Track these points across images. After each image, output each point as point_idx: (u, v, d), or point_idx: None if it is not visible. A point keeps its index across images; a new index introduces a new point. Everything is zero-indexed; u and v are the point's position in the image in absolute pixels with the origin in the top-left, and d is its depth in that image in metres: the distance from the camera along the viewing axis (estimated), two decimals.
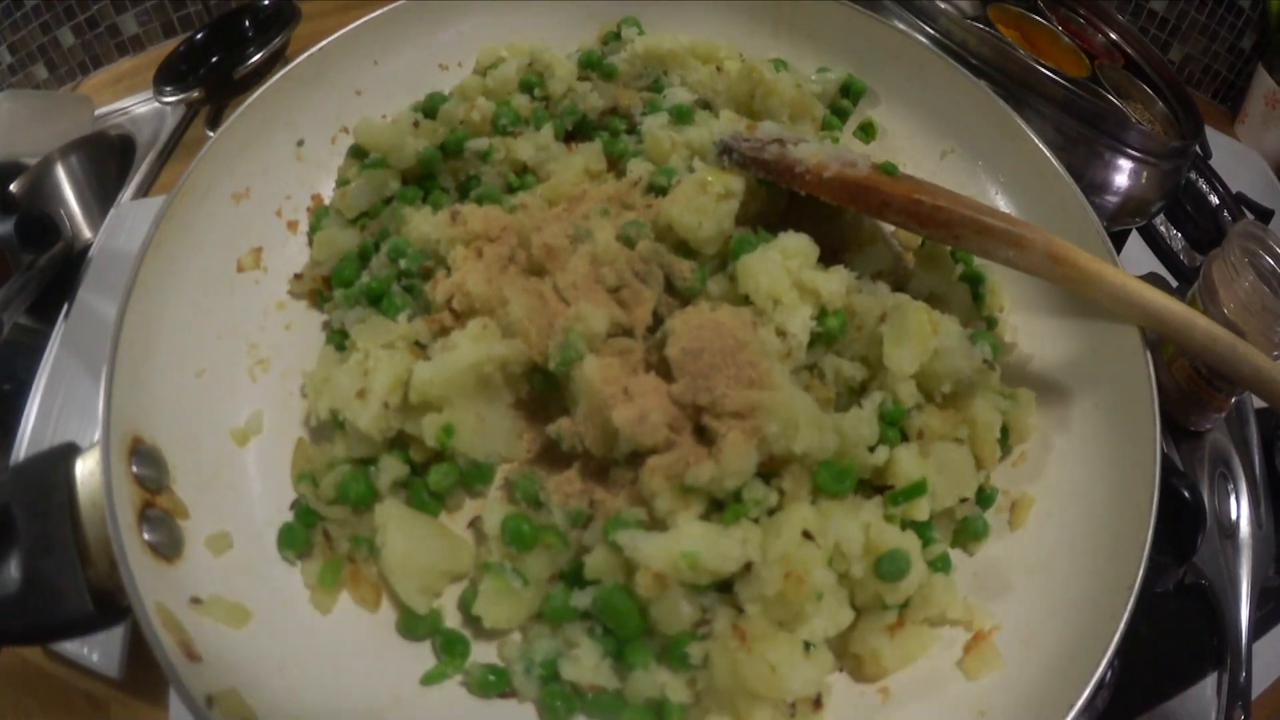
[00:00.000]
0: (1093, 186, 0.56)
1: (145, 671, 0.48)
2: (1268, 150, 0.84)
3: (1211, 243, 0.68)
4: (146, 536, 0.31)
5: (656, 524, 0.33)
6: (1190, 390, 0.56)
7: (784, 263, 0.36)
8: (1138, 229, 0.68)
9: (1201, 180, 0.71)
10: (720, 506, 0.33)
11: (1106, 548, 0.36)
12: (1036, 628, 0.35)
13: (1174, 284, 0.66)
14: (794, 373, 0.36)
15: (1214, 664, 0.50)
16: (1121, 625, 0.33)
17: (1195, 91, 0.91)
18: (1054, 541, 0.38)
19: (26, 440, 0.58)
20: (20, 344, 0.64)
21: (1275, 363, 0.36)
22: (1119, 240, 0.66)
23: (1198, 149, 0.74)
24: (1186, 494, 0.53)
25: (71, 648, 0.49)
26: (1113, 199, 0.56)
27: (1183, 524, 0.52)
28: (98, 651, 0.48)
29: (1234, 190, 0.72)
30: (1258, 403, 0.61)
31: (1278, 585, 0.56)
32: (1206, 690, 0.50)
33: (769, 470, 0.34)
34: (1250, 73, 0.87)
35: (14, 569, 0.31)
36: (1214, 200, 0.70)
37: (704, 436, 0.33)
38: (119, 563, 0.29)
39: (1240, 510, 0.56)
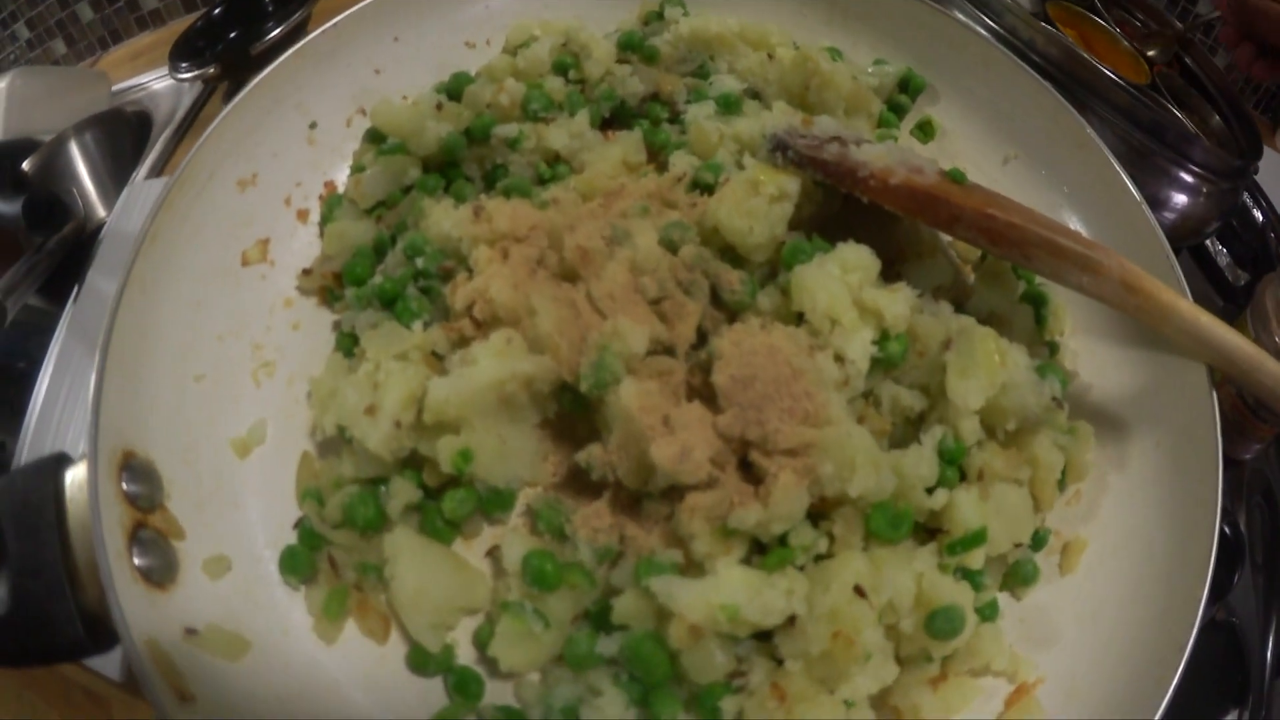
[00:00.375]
0: (1150, 202, 0.49)
1: None
2: None
3: (1256, 261, 0.61)
4: (138, 561, 0.27)
5: (693, 566, 0.27)
6: (1234, 419, 0.50)
7: (843, 278, 0.30)
8: (1190, 254, 0.61)
9: (1247, 196, 0.64)
10: (763, 548, 0.28)
11: (1160, 601, 0.32)
12: (1081, 683, 0.31)
13: (1220, 303, 0.60)
14: (850, 402, 0.30)
15: (1235, 702, 0.46)
16: (1171, 688, 0.29)
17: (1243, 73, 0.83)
18: (1105, 590, 0.33)
19: (32, 426, 0.53)
20: (33, 325, 0.59)
21: None
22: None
23: (1256, 163, 0.67)
24: (1228, 530, 0.48)
25: None
26: (1170, 216, 0.50)
27: (1220, 561, 0.47)
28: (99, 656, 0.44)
29: (1276, 203, 0.65)
30: None
31: None
32: None
33: (817, 512, 0.28)
34: None
35: (2, 589, 0.26)
36: (1259, 216, 0.63)
37: (750, 473, 0.27)
38: (107, 594, 0.25)
39: (1274, 544, 0.51)
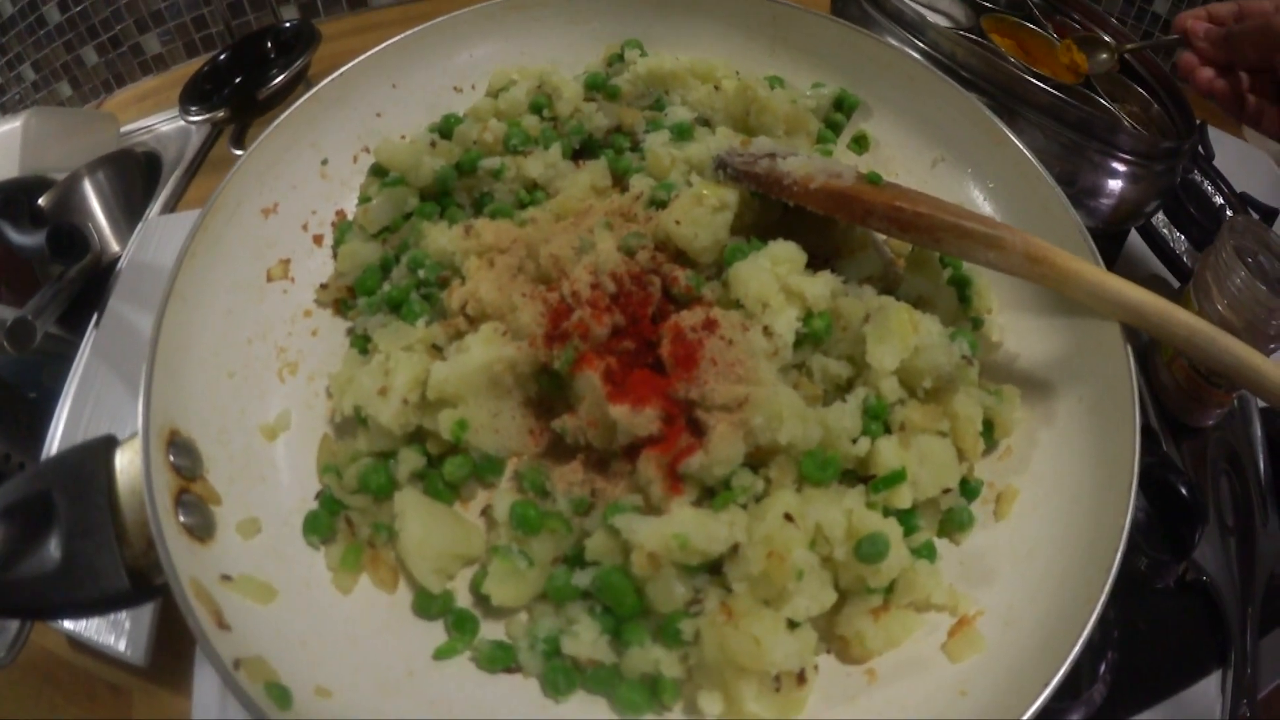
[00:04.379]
0: (1086, 191, 0.61)
1: (169, 661, 0.53)
2: (1276, 150, 0.87)
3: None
4: (182, 519, 0.36)
5: (652, 510, 0.38)
6: (1190, 388, 0.60)
7: (773, 269, 0.42)
8: (1139, 231, 0.72)
9: (1206, 181, 0.75)
10: (712, 495, 0.38)
11: (1088, 536, 0.39)
12: (1018, 611, 0.39)
13: (1175, 285, 0.70)
14: (783, 372, 0.41)
15: (1218, 661, 0.53)
16: (1099, 606, 0.35)
17: (1200, 95, 0.95)
18: (1037, 531, 0.41)
19: (57, 444, 0.64)
20: (48, 353, 0.71)
21: (1256, 352, 0.38)
22: (1118, 241, 0.70)
23: (1200, 149, 0.79)
24: (1184, 490, 0.56)
25: (98, 637, 0.54)
26: (1107, 202, 0.61)
27: (1181, 521, 0.56)
28: (125, 640, 0.54)
29: (1240, 191, 0.75)
30: (1261, 401, 0.64)
31: None
32: (1211, 688, 0.52)
33: (757, 461, 0.39)
34: None
35: (54, 549, 0.35)
36: (1218, 201, 0.74)
37: (696, 428, 0.38)
38: (156, 540, 0.34)
39: (1244, 508, 0.59)
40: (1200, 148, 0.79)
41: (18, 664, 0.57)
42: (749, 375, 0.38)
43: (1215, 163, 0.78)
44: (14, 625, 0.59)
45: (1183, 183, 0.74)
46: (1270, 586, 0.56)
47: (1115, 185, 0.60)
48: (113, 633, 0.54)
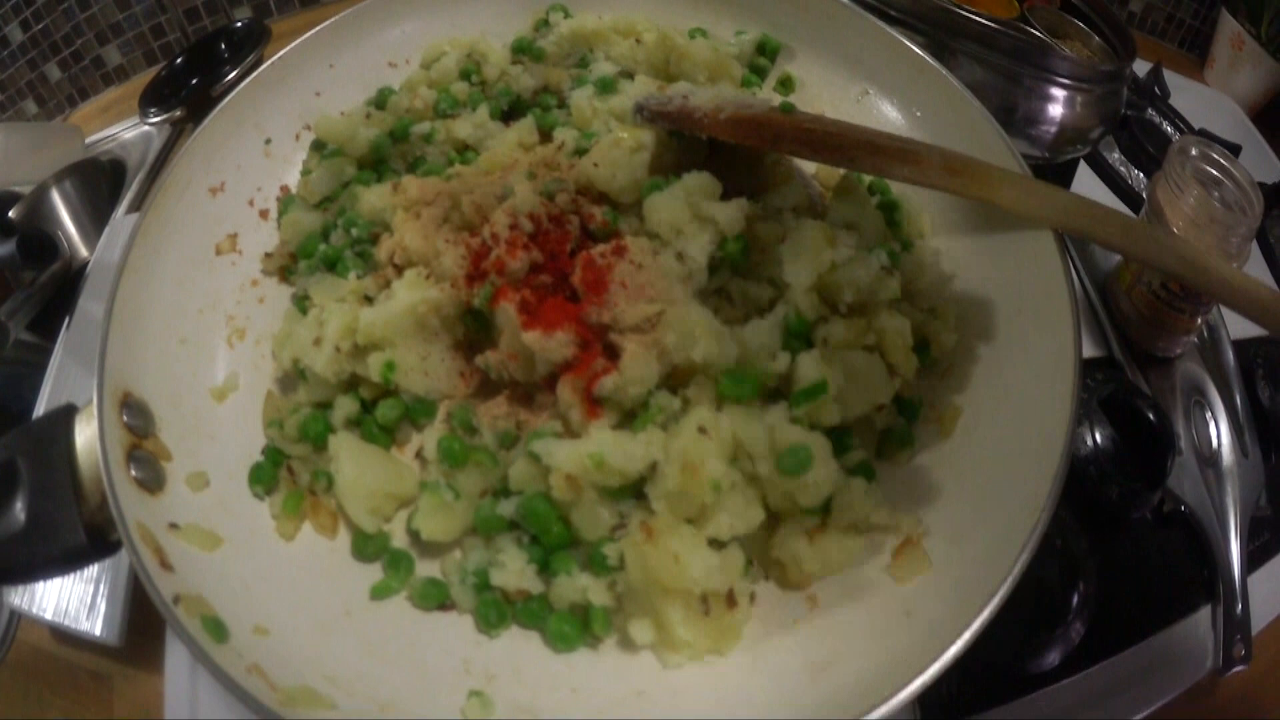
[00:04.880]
0: (1027, 119, 0.62)
1: (144, 642, 0.57)
2: (1237, 93, 0.88)
3: None
4: (133, 472, 0.39)
5: (573, 436, 0.40)
6: (1152, 315, 0.60)
7: (686, 199, 0.44)
8: (1094, 169, 0.73)
9: (1165, 123, 0.76)
10: (633, 418, 0.40)
11: (1032, 446, 0.38)
12: (963, 528, 0.38)
13: (1133, 216, 0.71)
14: (702, 297, 0.43)
15: (1206, 596, 0.53)
16: (1043, 512, 0.35)
17: (1161, 41, 0.97)
18: (981, 447, 0.41)
19: None
20: (26, 363, 0.75)
21: (1199, 249, 0.37)
22: (1068, 172, 0.71)
23: (1156, 89, 0.80)
24: (1151, 415, 0.57)
25: (75, 624, 0.57)
26: (1049, 129, 0.62)
27: (1152, 447, 0.56)
28: (100, 622, 0.57)
29: (1200, 128, 0.76)
30: (1233, 331, 0.64)
31: (1269, 515, 0.58)
32: (1201, 624, 0.52)
33: (676, 383, 0.41)
34: (1214, 18, 0.92)
35: (19, 511, 0.38)
36: (1175, 137, 0.75)
37: (612, 352, 0.40)
38: (107, 490, 0.37)
39: (1220, 439, 0.59)
40: (1156, 88, 0.80)
41: (6, 663, 0.61)
42: (660, 296, 0.40)
43: (1176, 106, 0.79)
44: (1, 624, 0.62)
45: (1138, 120, 0.75)
46: (1255, 519, 0.56)
47: (1055, 111, 0.62)
48: (89, 617, 0.57)
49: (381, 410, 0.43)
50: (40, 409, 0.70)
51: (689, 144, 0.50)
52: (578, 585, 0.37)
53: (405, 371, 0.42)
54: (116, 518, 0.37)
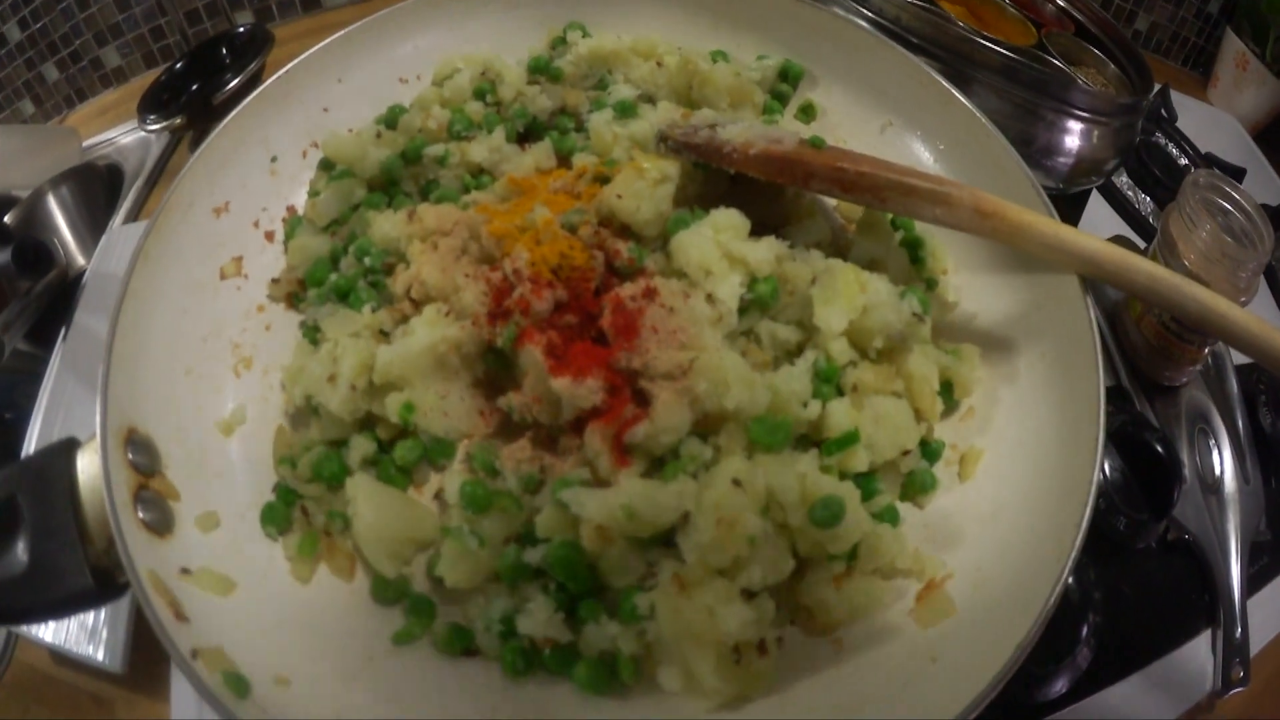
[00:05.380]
0: (1044, 150, 0.60)
1: (148, 668, 0.54)
2: (1241, 112, 0.87)
3: None
4: (141, 514, 0.36)
5: (601, 484, 0.38)
6: (1160, 345, 0.59)
7: (715, 236, 0.42)
8: (1102, 194, 0.72)
9: (1171, 145, 0.75)
10: (662, 465, 0.38)
11: (1056, 491, 0.38)
12: (987, 573, 0.38)
13: (1142, 246, 0.70)
14: (730, 339, 0.41)
15: (1207, 621, 0.53)
16: (1069, 562, 0.34)
17: (1164, 60, 0.96)
18: (1003, 490, 0.41)
19: (32, 450, 0.64)
20: (21, 371, 0.71)
21: (1220, 296, 0.37)
22: (1079, 202, 0.70)
23: (1164, 113, 0.79)
24: (1160, 448, 0.56)
25: (77, 648, 0.55)
26: (1065, 160, 0.61)
27: (1158, 478, 0.55)
28: (102, 649, 0.54)
29: (1205, 152, 0.75)
30: (1237, 358, 0.64)
31: (1269, 540, 0.58)
32: (1201, 648, 0.52)
33: (706, 429, 0.39)
34: (1219, 37, 0.91)
35: (21, 552, 0.36)
36: (1182, 161, 0.73)
37: (641, 399, 0.38)
38: (115, 536, 0.34)
39: (1223, 465, 0.59)
40: (1163, 110, 0.79)
41: (4, 684, 0.58)
42: (692, 342, 0.38)
43: (1180, 125, 0.78)
44: None
45: (1145, 144, 0.74)
46: (1255, 544, 0.56)
47: (1073, 143, 0.60)
48: (90, 642, 0.55)
49: (400, 451, 0.40)
50: (36, 424, 0.66)
51: (712, 174, 0.47)
52: (606, 633, 0.35)
53: (424, 412, 0.40)
54: (127, 566, 0.34)
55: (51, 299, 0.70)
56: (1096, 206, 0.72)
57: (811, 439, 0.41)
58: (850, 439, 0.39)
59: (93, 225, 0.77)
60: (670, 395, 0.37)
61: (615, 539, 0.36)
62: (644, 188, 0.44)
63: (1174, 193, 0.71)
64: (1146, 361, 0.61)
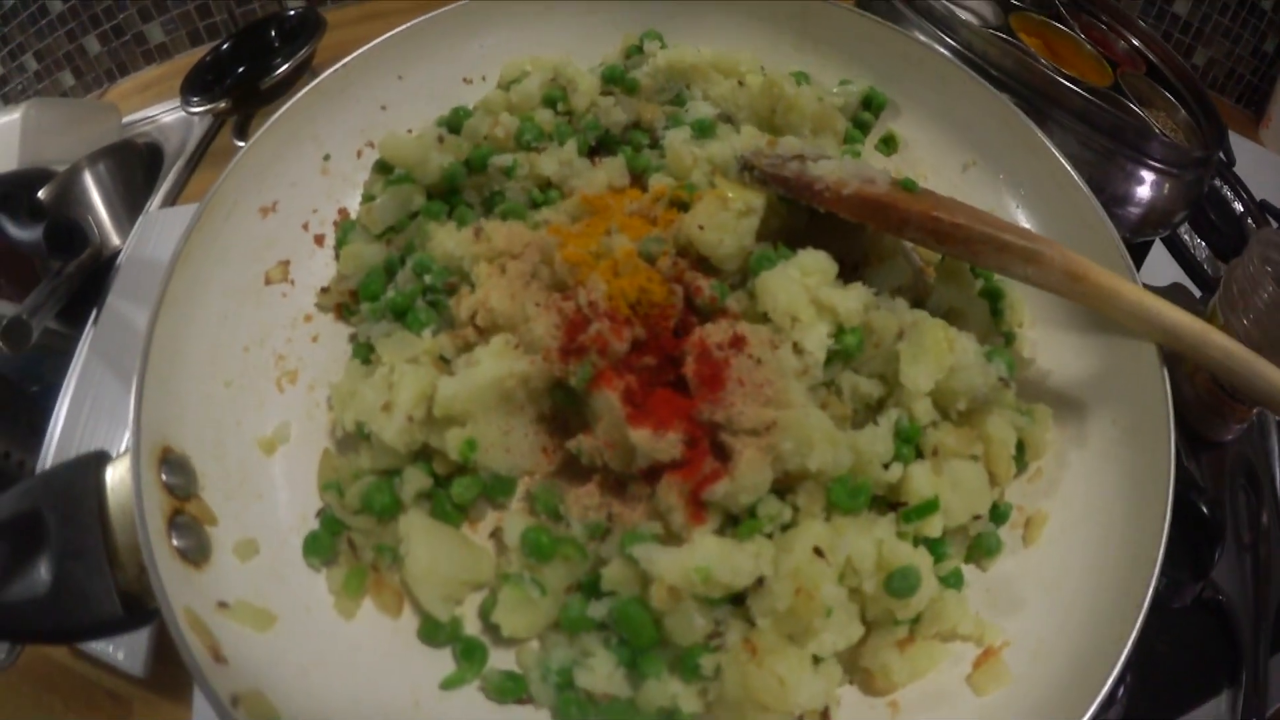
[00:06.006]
0: (1115, 199, 0.56)
1: (170, 670, 0.50)
2: None
3: (1235, 251, 0.68)
4: (175, 542, 0.33)
5: (672, 538, 0.34)
6: (1211, 401, 0.56)
7: (802, 280, 0.37)
8: (1161, 240, 0.68)
9: (1226, 187, 0.71)
10: (736, 522, 0.34)
11: (1118, 565, 0.36)
12: (1046, 644, 0.36)
13: (1197, 294, 0.66)
14: (811, 390, 0.37)
15: (1229, 680, 0.50)
16: (1129, 644, 0.33)
17: (1218, 96, 0.91)
18: (1067, 558, 0.38)
19: (55, 443, 0.60)
20: (49, 348, 0.67)
21: None
22: (1142, 250, 0.66)
23: (1221, 155, 0.74)
24: (1205, 510, 0.53)
25: (97, 646, 0.51)
26: (1135, 210, 0.57)
27: (1200, 539, 0.52)
28: (123, 650, 0.51)
29: (1259, 196, 0.71)
30: None
31: None
32: (1220, 707, 0.49)
33: (784, 487, 0.35)
34: (1274, 76, 0.87)
35: (44, 571, 0.32)
36: (1238, 208, 0.69)
37: (721, 453, 0.34)
38: (148, 568, 0.31)
39: (1262, 525, 0.56)
40: (1222, 155, 0.75)
41: (17, 668, 0.54)
42: (778, 397, 0.34)
43: (1234, 169, 0.73)
44: None
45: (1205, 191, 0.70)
46: None
47: (1145, 194, 0.56)
48: (111, 643, 0.51)
49: (457, 489, 0.36)
50: (64, 406, 0.62)
51: (795, 208, 0.43)
52: (668, 691, 0.33)
53: (485, 448, 0.36)
54: (162, 602, 0.30)
55: (84, 280, 0.66)
56: (1159, 257, 0.68)
57: (886, 499, 0.37)
58: (931, 508, 0.36)
59: (129, 205, 0.72)
60: (754, 453, 0.33)
61: (685, 598, 0.32)
62: (728, 219, 0.39)
63: (1229, 239, 0.68)
64: (1196, 416, 0.58)
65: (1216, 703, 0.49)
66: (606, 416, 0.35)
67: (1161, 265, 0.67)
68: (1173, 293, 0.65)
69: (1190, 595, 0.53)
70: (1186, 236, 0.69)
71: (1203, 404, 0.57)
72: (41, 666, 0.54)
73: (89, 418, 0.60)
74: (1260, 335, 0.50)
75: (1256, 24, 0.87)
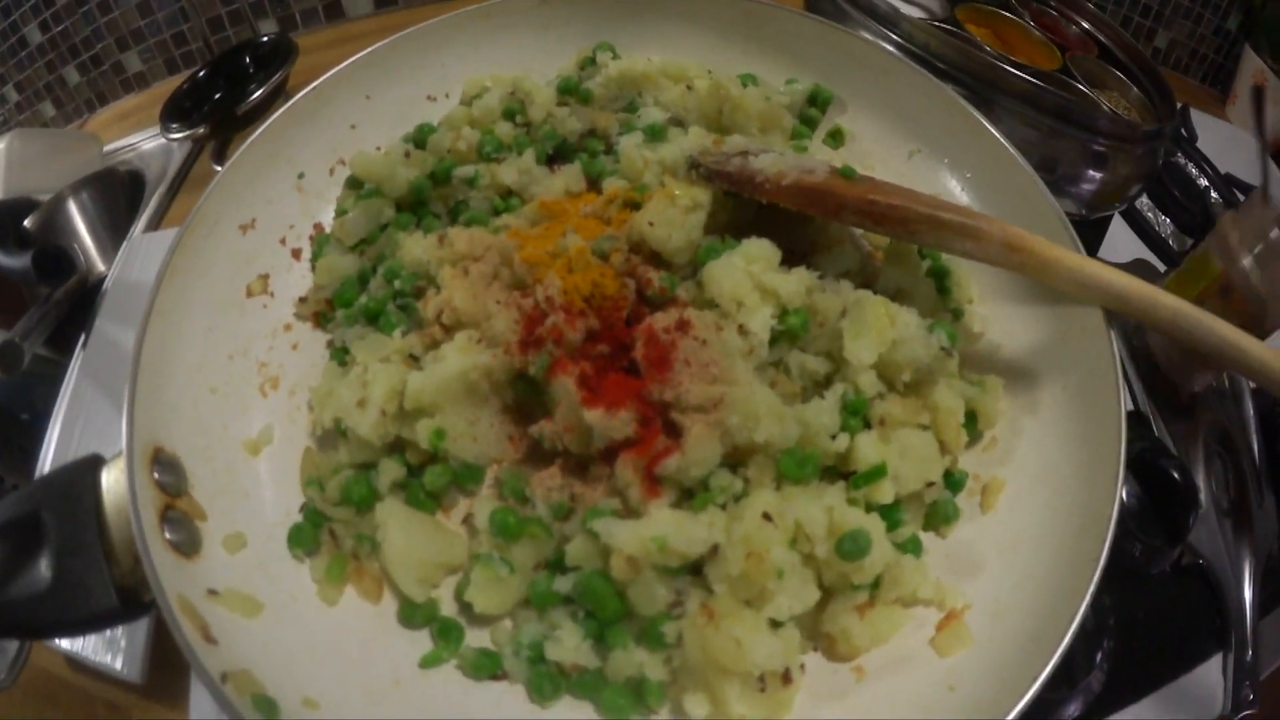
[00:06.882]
0: (1067, 177, 0.61)
1: (165, 677, 0.54)
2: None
3: (1199, 225, 0.71)
4: (168, 535, 0.36)
5: (631, 513, 0.38)
6: (1182, 353, 0.59)
7: (746, 267, 0.42)
8: (1122, 216, 0.72)
9: (1191, 165, 0.75)
10: (691, 496, 0.38)
11: (1075, 525, 0.39)
12: (1006, 604, 0.38)
13: (1161, 269, 0.70)
14: (759, 370, 0.41)
15: (1218, 644, 0.52)
16: (1086, 600, 0.35)
17: (1183, 77, 0.96)
18: (1024, 522, 0.41)
19: (49, 464, 0.64)
20: (38, 375, 0.72)
21: (1243, 332, 0.38)
22: (1101, 226, 0.70)
23: (1184, 132, 0.79)
24: (1176, 475, 0.56)
25: (95, 654, 0.55)
26: (1089, 187, 0.61)
27: (1174, 505, 0.55)
28: (120, 658, 0.54)
29: (1225, 170, 0.75)
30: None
31: None
32: (1212, 672, 0.52)
33: (736, 460, 0.39)
34: (1238, 54, 0.91)
35: (44, 569, 0.36)
36: (1203, 183, 0.73)
37: (672, 430, 0.38)
38: (143, 557, 0.34)
39: (1239, 490, 0.59)
40: (1183, 130, 0.79)
41: (18, 685, 0.58)
42: (724, 375, 0.38)
43: (1199, 145, 0.78)
44: (13, 646, 0.59)
45: (1166, 165, 0.74)
46: (1268, 566, 0.56)
47: (1096, 170, 0.60)
48: (109, 651, 0.55)
49: (429, 477, 0.40)
50: (55, 430, 0.66)
51: (742, 202, 0.47)
52: (634, 660, 0.36)
53: (454, 437, 0.40)
54: (155, 589, 0.34)
55: (71, 305, 0.71)
56: (1116, 229, 0.72)
57: (838, 470, 0.41)
58: (878, 473, 0.39)
59: (113, 231, 0.77)
60: (702, 428, 0.37)
61: (645, 569, 0.36)
62: (676, 215, 0.44)
63: (1193, 214, 0.71)
64: (1168, 366, 0.60)
65: (1206, 668, 0.52)
66: (564, 401, 0.39)
67: (1124, 241, 0.71)
68: (1136, 267, 0.68)
69: (1168, 561, 0.56)
70: (1150, 214, 0.73)
71: (1171, 356, 0.60)
72: (42, 682, 0.58)
73: (81, 438, 0.64)
74: (1266, 270, 0.50)
75: (1218, 3, 0.91)
